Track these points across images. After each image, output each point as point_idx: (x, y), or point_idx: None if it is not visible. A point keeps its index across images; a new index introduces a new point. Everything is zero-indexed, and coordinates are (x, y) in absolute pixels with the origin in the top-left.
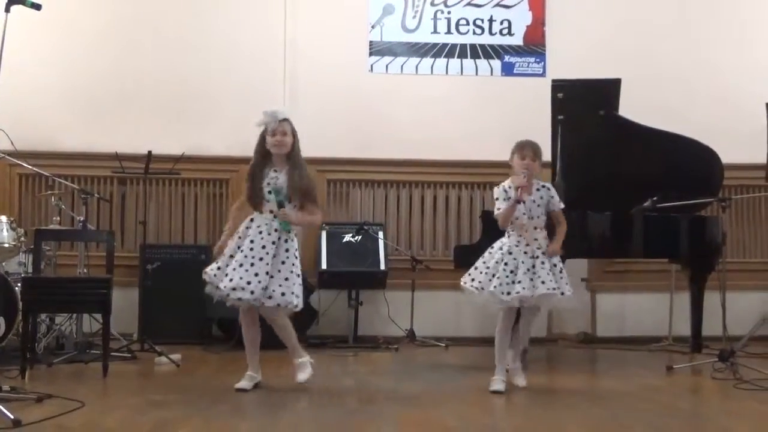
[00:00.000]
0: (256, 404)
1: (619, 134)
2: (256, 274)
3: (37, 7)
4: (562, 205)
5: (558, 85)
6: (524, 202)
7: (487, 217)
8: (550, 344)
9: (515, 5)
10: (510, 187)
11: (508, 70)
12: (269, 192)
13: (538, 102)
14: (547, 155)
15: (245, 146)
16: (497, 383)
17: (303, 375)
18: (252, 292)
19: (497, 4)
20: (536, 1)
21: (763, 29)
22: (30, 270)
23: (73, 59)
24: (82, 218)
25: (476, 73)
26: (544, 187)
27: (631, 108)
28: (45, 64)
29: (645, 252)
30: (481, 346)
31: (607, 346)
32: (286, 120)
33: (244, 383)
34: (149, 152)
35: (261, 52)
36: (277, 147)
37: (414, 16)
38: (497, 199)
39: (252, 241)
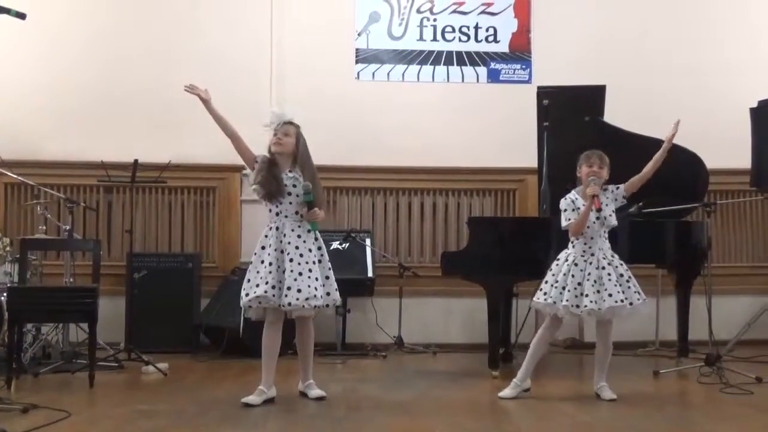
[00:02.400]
0: (245, 413)
1: (604, 140)
2: (317, 279)
3: (22, 16)
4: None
5: (543, 92)
6: (600, 210)
7: (474, 223)
8: None
9: (501, 12)
10: (577, 198)
11: (494, 76)
12: (289, 191)
13: (524, 108)
14: (533, 161)
15: (232, 154)
16: (511, 388)
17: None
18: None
19: (483, 12)
20: (522, 9)
21: (747, 35)
22: (16, 279)
23: (58, 68)
24: (68, 227)
25: (462, 80)
26: (607, 189)
27: (616, 114)
28: (30, 73)
29: (631, 257)
30: (469, 352)
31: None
32: (291, 123)
33: (254, 398)
34: (135, 160)
35: (247, 60)
36: (275, 146)
37: (400, 24)
38: (565, 210)
39: (282, 251)
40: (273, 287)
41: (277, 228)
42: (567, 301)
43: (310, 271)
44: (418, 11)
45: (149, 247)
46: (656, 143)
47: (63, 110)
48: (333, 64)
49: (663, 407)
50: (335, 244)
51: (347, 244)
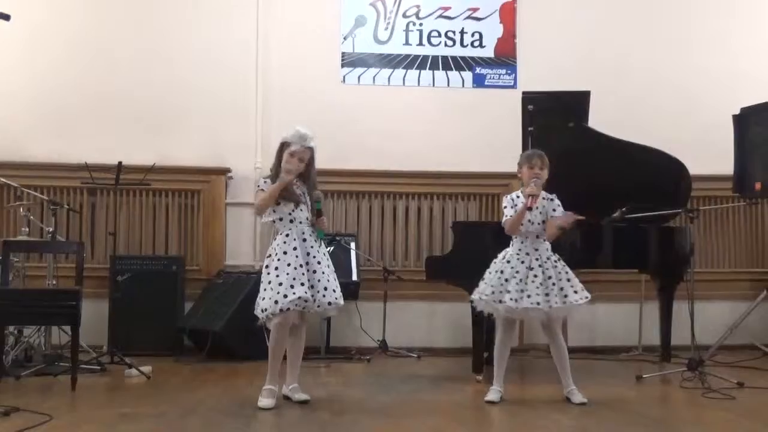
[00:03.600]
0: (229, 416)
1: (588, 145)
2: (327, 281)
3: (6, 17)
4: (560, 209)
5: (528, 97)
6: (531, 209)
7: (458, 228)
8: (521, 354)
9: (486, 17)
10: (518, 197)
11: (479, 81)
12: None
13: (509, 113)
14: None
15: (216, 157)
16: (493, 393)
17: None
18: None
19: (469, 17)
20: (507, 14)
21: (731, 42)
22: None
23: (41, 68)
24: (51, 229)
25: (448, 85)
26: (550, 199)
27: (600, 119)
28: (12, 73)
29: (614, 262)
30: (454, 356)
31: (578, 356)
32: (311, 148)
33: (269, 401)
34: (119, 163)
35: (233, 63)
36: (287, 169)
37: (386, 28)
38: (505, 207)
39: (307, 254)
40: (308, 289)
41: (296, 235)
42: (511, 299)
43: (333, 273)
44: (404, 15)
45: (133, 249)
46: (639, 149)
47: (46, 112)
48: (319, 68)
49: (645, 412)
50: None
51: (332, 248)
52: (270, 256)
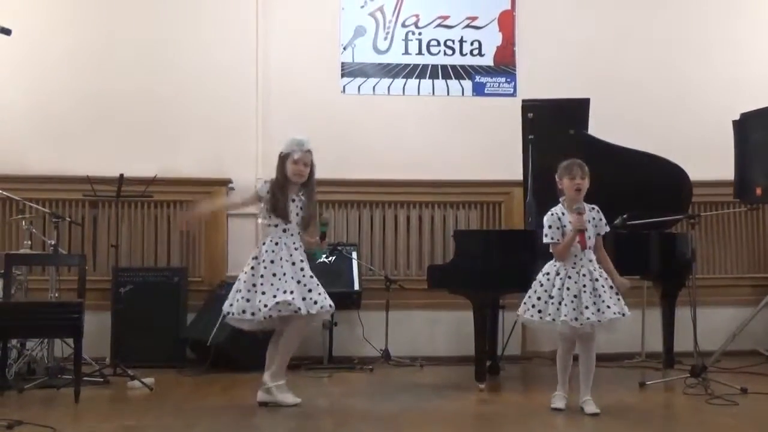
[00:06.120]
0: (232, 427)
1: (589, 153)
2: (305, 285)
3: (7, 32)
4: (608, 229)
5: (528, 105)
6: (586, 247)
7: (459, 236)
8: (524, 362)
9: (485, 26)
10: (564, 214)
11: (479, 90)
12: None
13: (509, 122)
14: (518, 174)
15: (217, 168)
16: (558, 400)
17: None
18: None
19: (468, 26)
20: (506, 22)
21: (731, 47)
22: (0, 295)
23: (42, 80)
24: (53, 242)
25: (447, 94)
26: (594, 209)
27: (601, 127)
28: (12, 86)
29: (616, 269)
30: (456, 365)
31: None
32: (309, 151)
33: (293, 397)
34: (121, 175)
35: (233, 74)
36: (297, 176)
37: (385, 38)
38: (549, 227)
39: (290, 261)
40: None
41: (285, 243)
42: (566, 315)
43: (317, 282)
44: (404, 25)
45: (135, 261)
46: (640, 155)
47: (48, 124)
48: (319, 79)
49: (649, 419)
50: (322, 258)
51: (333, 258)
52: (256, 258)
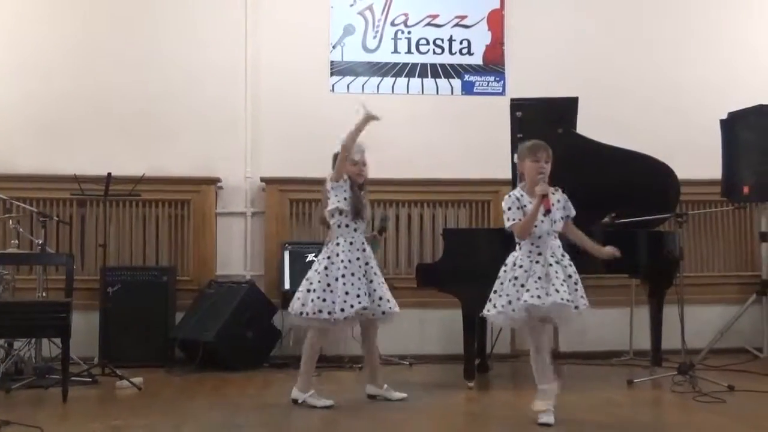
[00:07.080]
0: (220, 426)
1: (577, 152)
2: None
3: None
4: (574, 212)
5: (516, 104)
6: (550, 211)
7: (449, 235)
8: (513, 360)
9: (475, 25)
10: (522, 195)
11: (468, 89)
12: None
13: (499, 120)
14: (507, 173)
15: (206, 167)
16: (546, 415)
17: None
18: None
19: (457, 24)
20: (495, 21)
21: (719, 46)
22: None
23: (29, 79)
24: (40, 241)
25: (437, 93)
26: (558, 190)
27: (589, 125)
28: (0, 86)
29: (604, 267)
30: (445, 363)
31: (569, 361)
32: (364, 151)
33: (327, 400)
34: (109, 174)
35: (222, 73)
36: (359, 176)
37: (374, 36)
38: (509, 209)
39: (366, 263)
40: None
41: (359, 243)
42: (506, 305)
43: (385, 282)
44: (393, 24)
45: (123, 260)
46: (628, 154)
47: (35, 123)
48: (308, 78)
49: (636, 416)
50: (311, 256)
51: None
52: (329, 257)
